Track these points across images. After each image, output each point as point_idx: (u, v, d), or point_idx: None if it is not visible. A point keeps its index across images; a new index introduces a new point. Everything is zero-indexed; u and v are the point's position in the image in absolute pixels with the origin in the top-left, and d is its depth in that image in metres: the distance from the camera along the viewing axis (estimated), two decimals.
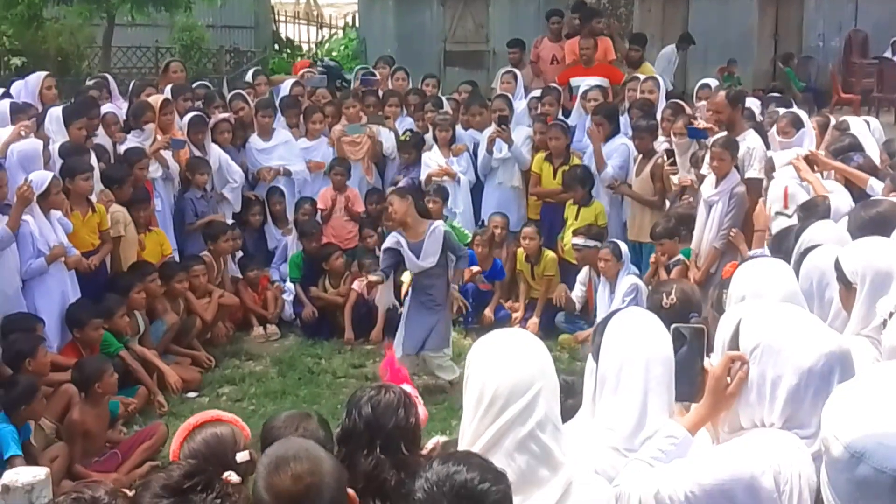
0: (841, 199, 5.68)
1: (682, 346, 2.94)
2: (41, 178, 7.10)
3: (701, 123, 8.18)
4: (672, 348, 2.94)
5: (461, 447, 2.71)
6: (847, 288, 3.82)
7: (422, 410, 3.61)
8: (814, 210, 5.59)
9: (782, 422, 2.67)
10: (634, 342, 2.96)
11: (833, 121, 8.50)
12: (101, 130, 8.68)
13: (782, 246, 5.16)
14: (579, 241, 8.35)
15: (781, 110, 8.78)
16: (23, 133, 7.46)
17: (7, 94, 9.01)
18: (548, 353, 2.82)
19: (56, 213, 7.26)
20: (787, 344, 2.69)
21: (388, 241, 7.62)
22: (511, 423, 2.62)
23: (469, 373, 2.77)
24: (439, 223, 7.72)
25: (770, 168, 6.79)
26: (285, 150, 9.97)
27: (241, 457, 3.20)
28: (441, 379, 7.73)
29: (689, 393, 2.92)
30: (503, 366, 2.69)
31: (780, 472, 2.55)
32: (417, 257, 7.49)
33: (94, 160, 7.92)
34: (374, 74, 11.61)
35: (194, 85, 10.78)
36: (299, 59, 20.39)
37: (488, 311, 9.10)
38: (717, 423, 2.87)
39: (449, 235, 7.66)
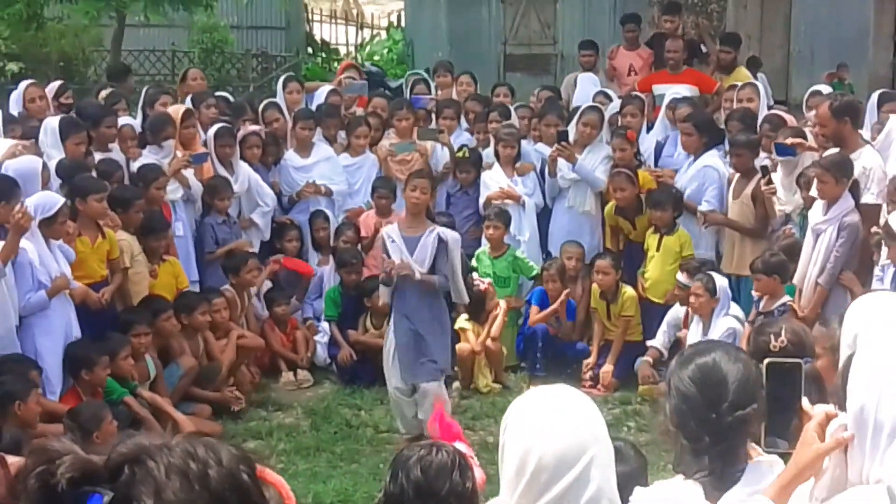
0: None
1: (778, 385, 2.97)
2: (49, 201, 7.13)
3: (790, 140, 8.11)
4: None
5: None
6: None
7: (479, 473, 3.60)
8: None
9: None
10: None
11: None
12: (114, 145, 8.77)
13: None
14: (683, 278, 8.26)
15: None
16: (17, 152, 7.53)
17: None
18: (599, 413, 2.77)
19: (56, 241, 7.30)
20: None
21: (384, 232, 7.65)
22: (559, 500, 2.58)
23: (506, 438, 2.72)
24: (442, 230, 7.61)
25: (893, 190, 6.71)
26: (327, 168, 9.93)
27: None
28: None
29: (782, 437, 2.94)
30: (548, 431, 2.64)
31: None
32: (411, 255, 7.43)
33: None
34: (428, 84, 11.48)
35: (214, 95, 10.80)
36: (337, 63, 20.55)
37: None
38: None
39: (453, 247, 7.50)
